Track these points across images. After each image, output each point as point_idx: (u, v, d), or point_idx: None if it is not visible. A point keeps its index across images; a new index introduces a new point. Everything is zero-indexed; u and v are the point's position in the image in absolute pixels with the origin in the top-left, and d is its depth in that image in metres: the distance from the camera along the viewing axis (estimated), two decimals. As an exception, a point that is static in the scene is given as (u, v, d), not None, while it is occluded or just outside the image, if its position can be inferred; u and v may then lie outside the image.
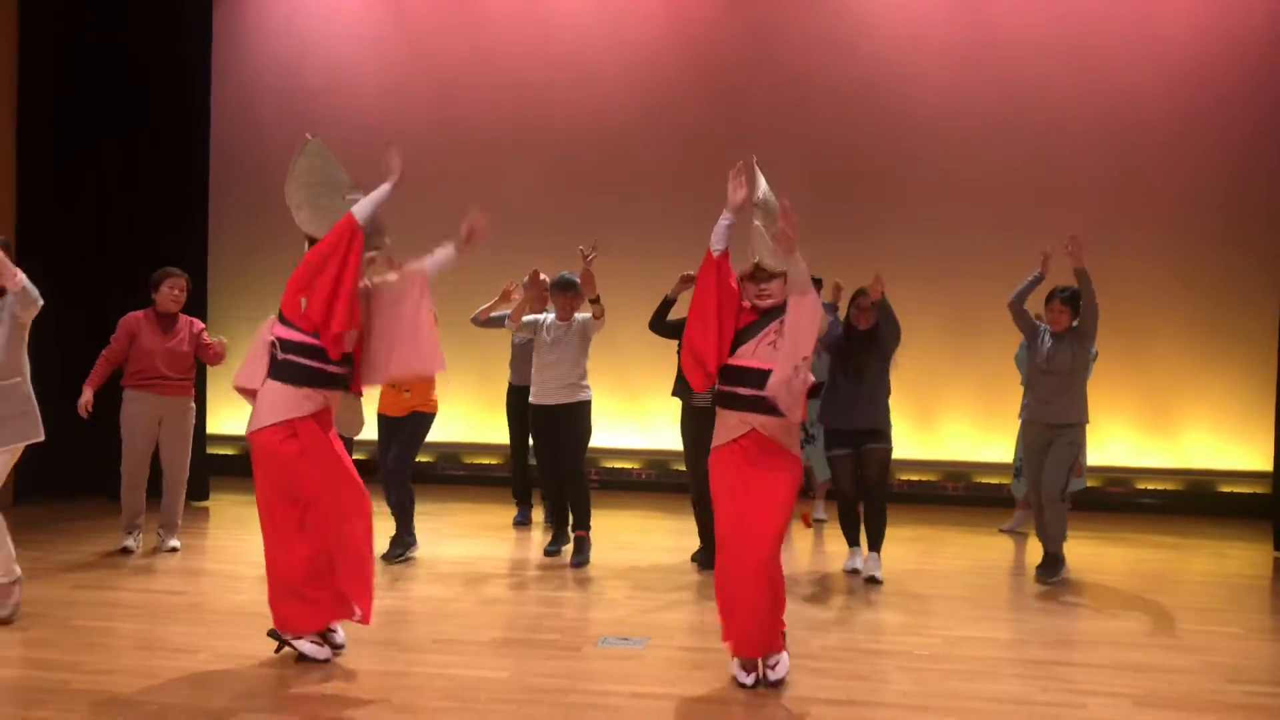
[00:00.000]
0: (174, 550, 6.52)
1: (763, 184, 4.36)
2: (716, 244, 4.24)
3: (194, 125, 8.49)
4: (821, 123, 9.12)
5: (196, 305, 8.45)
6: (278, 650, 4.51)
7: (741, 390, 4.25)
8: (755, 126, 8.91)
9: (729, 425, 4.31)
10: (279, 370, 4.38)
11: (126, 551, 6.41)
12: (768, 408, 4.20)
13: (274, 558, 4.43)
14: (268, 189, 9.32)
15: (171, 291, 6.44)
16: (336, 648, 4.53)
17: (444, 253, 4.60)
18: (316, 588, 4.42)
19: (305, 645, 4.45)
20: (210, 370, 8.46)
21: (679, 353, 6.21)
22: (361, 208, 4.41)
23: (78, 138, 8.29)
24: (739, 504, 4.23)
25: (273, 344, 4.39)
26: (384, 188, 4.45)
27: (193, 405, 6.64)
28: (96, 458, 7.74)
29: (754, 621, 4.26)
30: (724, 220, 4.26)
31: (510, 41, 9.58)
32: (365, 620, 4.50)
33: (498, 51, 9.57)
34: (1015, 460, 7.85)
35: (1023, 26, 8.97)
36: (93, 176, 8.37)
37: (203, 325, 6.68)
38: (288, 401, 4.36)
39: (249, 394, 4.48)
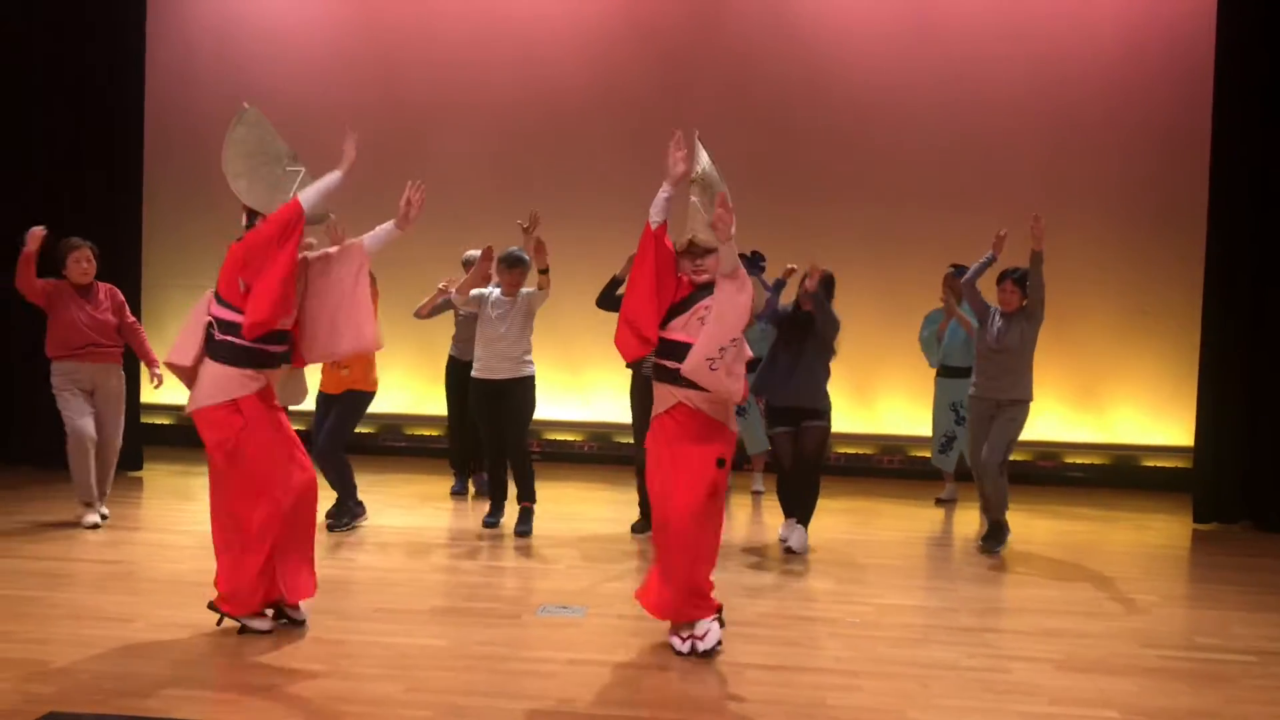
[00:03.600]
0: (104, 518, 6.42)
1: (704, 158, 4.36)
2: (655, 216, 4.28)
3: (128, 90, 8.26)
4: (764, 99, 9.17)
5: (131, 273, 8.29)
6: (219, 623, 4.50)
7: (670, 364, 4.31)
8: (698, 101, 8.93)
9: (661, 396, 4.39)
10: (217, 350, 4.31)
11: (96, 526, 6.24)
12: (694, 382, 4.27)
13: (227, 522, 4.35)
14: (204, 156, 9.13)
15: (79, 265, 6.27)
16: (298, 623, 4.51)
17: (384, 229, 4.53)
18: (267, 555, 4.35)
19: (248, 618, 4.44)
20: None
21: None
22: (308, 195, 4.33)
23: (3, 104, 8.03)
24: (664, 473, 4.33)
25: (210, 324, 4.33)
26: (335, 175, 4.40)
27: (123, 373, 6.51)
28: (19, 426, 7.56)
29: (669, 586, 4.34)
30: (663, 193, 4.29)
31: (454, 11, 9.48)
32: (310, 593, 4.52)
33: (441, 20, 9.47)
34: (938, 435, 8.01)
35: (962, 7, 9.10)
36: (21, 142, 8.12)
37: (122, 296, 6.48)
38: (230, 381, 4.30)
39: (180, 370, 4.40)
